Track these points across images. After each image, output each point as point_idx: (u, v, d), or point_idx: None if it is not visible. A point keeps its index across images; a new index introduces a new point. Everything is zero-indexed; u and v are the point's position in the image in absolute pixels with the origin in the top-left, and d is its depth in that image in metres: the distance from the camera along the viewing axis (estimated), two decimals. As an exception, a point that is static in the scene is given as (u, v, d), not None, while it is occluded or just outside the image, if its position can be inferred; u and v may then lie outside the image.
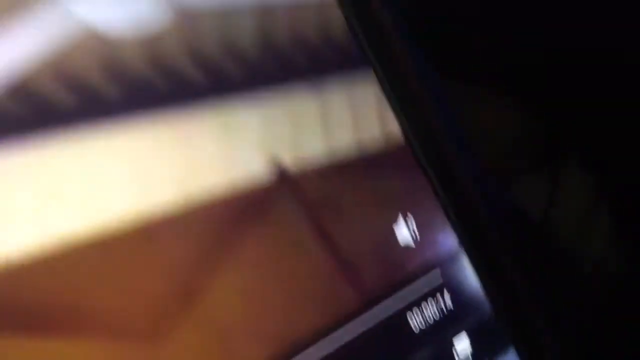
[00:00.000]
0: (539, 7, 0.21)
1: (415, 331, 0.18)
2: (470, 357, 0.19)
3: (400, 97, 0.19)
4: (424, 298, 0.19)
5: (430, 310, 0.19)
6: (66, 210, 0.15)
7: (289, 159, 0.18)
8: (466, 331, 0.19)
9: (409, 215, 0.19)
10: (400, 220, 0.19)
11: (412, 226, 0.19)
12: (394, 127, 0.20)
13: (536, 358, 0.19)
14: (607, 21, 0.20)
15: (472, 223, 0.20)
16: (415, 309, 0.19)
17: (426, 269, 0.19)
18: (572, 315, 0.21)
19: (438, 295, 0.19)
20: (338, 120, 0.19)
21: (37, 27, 0.15)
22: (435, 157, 0.20)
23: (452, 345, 0.19)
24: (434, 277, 0.19)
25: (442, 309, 0.19)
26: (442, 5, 0.21)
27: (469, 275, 0.20)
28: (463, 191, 0.20)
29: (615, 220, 0.22)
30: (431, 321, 0.19)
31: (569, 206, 0.22)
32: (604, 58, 0.21)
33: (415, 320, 0.18)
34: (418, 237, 0.19)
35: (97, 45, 0.16)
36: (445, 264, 0.19)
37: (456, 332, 0.19)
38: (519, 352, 0.19)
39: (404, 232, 0.19)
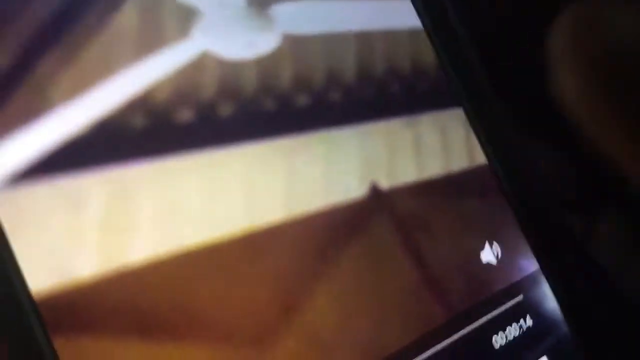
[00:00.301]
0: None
1: (497, 349, 0.19)
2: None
3: (486, 135, 0.20)
4: (508, 322, 0.19)
5: (512, 333, 0.19)
6: (182, 221, 0.16)
7: (384, 181, 0.19)
8: (545, 354, 0.20)
9: (494, 239, 0.20)
10: (486, 244, 0.20)
11: (497, 250, 0.20)
12: (480, 158, 0.21)
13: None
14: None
15: (550, 251, 0.20)
16: (499, 332, 0.19)
17: (509, 293, 0.20)
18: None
19: (521, 320, 0.20)
20: (429, 148, 0.20)
21: (167, 55, 0.17)
22: (513, 187, 0.21)
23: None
24: (517, 302, 0.20)
25: (523, 332, 0.20)
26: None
27: (549, 300, 0.20)
28: (540, 220, 0.21)
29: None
30: (513, 341, 0.19)
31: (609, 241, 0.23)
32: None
33: (498, 340, 0.19)
34: (501, 258, 0.20)
35: (215, 66, 0.17)
36: (527, 288, 0.20)
37: (536, 356, 0.20)
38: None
39: (488, 255, 0.20)
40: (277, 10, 0.19)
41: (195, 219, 0.17)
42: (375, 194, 0.19)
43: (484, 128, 0.21)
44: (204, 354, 0.16)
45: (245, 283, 0.17)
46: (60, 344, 0.15)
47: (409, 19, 0.21)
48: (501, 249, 0.20)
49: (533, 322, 0.20)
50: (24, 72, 0.16)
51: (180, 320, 0.16)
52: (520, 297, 0.20)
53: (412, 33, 0.21)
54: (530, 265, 0.20)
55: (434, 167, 0.20)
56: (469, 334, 0.19)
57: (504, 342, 0.19)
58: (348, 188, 0.18)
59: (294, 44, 0.19)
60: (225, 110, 0.17)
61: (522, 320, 0.20)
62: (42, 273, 0.15)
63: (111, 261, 0.15)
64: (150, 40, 0.17)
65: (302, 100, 0.19)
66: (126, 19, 0.17)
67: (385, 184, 0.19)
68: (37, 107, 0.16)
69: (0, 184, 0.15)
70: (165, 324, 0.16)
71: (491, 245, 0.20)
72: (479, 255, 0.20)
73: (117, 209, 0.16)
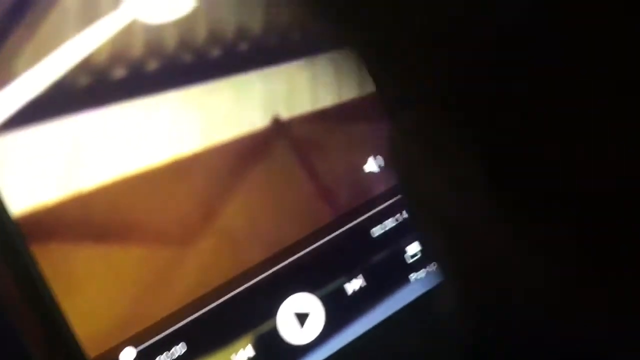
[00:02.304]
0: None
1: (374, 238, 0.25)
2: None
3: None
4: (386, 216, 0.25)
5: (389, 225, 0.25)
6: (121, 154, 0.22)
7: (284, 113, 0.24)
8: (418, 239, 0.26)
9: (377, 153, 0.25)
10: (370, 157, 0.25)
11: (379, 162, 0.25)
12: (369, 88, 0.26)
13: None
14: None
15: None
16: (377, 225, 0.25)
17: (389, 194, 0.25)
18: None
19: (397, 214, 0.25)
20: (324, 84, 0.25)
21: (101, 24, 0.22)
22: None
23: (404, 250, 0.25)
24: (395, 200, 0.25)
25: (399, 223, 0.25)
26: None
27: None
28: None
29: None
30: (389, 231, 0.25)
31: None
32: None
33: (376, 231, 0.25)
34: (383, 167, 0.25)
35: (141, 30, 0.22)
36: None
37: (409, 241, 0.25)
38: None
39: (371, 166, 0.25)
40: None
41: (132, 152, 0.22)
42: (276, 123, 0.24)
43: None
44: (142, 250, 0.22)
45: (172, 198, 0.23)
46: (35, 248, 0.21)
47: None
48: (383, 160, 0.25)
49: (409, 215, 0.26)
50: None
51: (123, 228, 0.22)
52: (398, 197, 0.25)
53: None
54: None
55: (327, 99, 0.25)
56: (351, 227, 0.25)
57: (381, 232, 0.25)
58: (254, 120, 0.24)
59: (207, 3, 0.24)
60: (152, 66, 0.23)
61: (398, 214, 0.25)
62: (18, 199, 0.21)
63: (69, 187, 0.21)
64: (89, 14, 0.22)
65: (215, 52, 0.24)
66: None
67: (285, 115, 0.24)
68: (6, 75, 0.21)
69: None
70: (111, 230, 0.22)
71: (374, 157, 0.25)
72: (362, 167, 0.25)
73: (72, 148, 0.22)
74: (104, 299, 0.21)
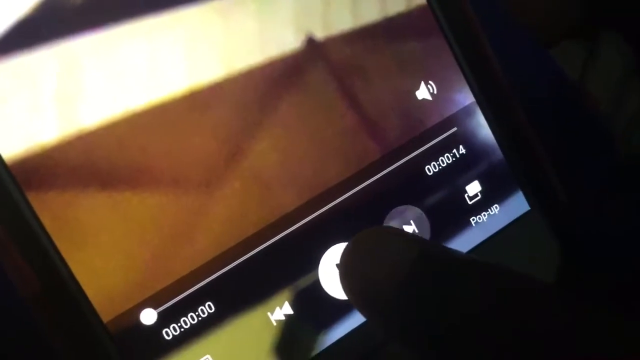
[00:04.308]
0: None
1: (429, 175, 0.21)
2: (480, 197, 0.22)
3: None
4: (441, 152, 0.22)
5: (445, 161, 0.22)
6: (129, 84, 0.19)
7: (319, 31, 0.20)
8: (477, 178, 0.22)
9: (429, 78, 0.21)
10: (421, 82, 0.21)
11: (432, 87, 0.21)
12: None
13: (543, 200, 0.22)
14: None
15: (487, 82, 0.22)
16: (432, 162, 0.21)
17: (444, 126, 0.22)
18: (588, 169, 0.24)
19: (454, 149, 0.22)
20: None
21: None
22: (453, 25, 0.22)
23: (464, 190, 0.22)
24: (451, 133, 0.22)
25: (456, 159, 0.22)
26: None
27: (483, 130, 0.22)
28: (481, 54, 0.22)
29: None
30: (445, 168, 0.21)
31: (603, 73, 0.23)
32: None
33: (431, 169, 0.21)
34: (436, 94, 0.21)
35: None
36: (461, 120, 0.22)
37: (468, 180, 0.22)
38: (526, 195, 0.22)
39: (423, 93, 0.21)
40: None
41: (142, 81, 0.19)
42: (310, 44, 0.20)
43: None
44: (158, 198, 0.19)
45: (191, 135, 0.19)
46: (32, 198, 0.18)
47: None
48: (436, 86, 0.22)
49: (466, 150, 0.22)
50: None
51: (134, 172, 0.19)
52: (454, 129, 0.22)
53: None
54: (465, 98, 0.22)
55: (370, 13, 0.21)
56: (402, 165, 0.21)
57: (436, 169, 0.21)
58: (283, 41, 0.20)
59: None
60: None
61: (455, 150, 0.22)
62: (10, 142, 0.18)
63: (69, 126, 0.18)
64: None
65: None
66: None
67: (320, 34, 0.20)
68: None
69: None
70: (121, 174, 0.19)
71: (427, 83, 0.21)
72: (414, 94, 0.21)
73: (69, 79, 0.18)
74: (116, 255, 0.18)
